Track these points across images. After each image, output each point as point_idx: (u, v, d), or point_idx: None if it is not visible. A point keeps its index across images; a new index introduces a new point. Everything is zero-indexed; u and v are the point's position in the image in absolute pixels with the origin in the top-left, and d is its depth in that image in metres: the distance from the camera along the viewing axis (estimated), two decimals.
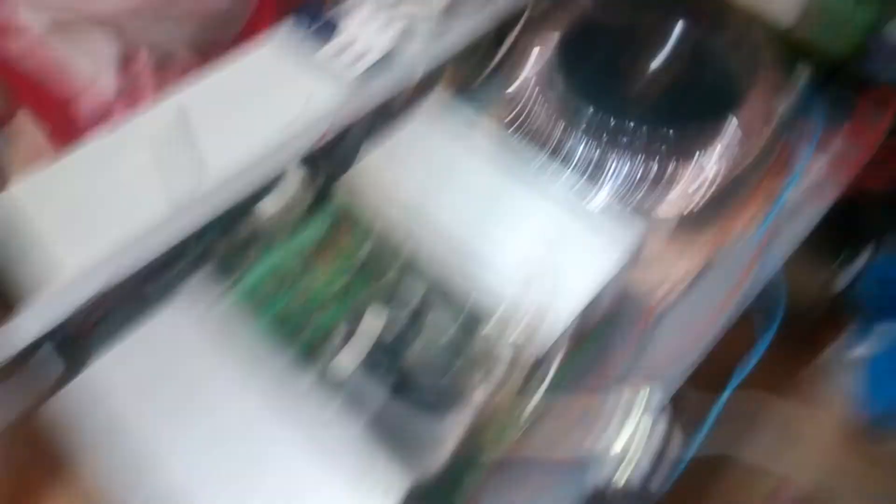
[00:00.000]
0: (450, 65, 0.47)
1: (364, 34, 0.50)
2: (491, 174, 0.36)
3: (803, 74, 0.43)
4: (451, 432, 0.28)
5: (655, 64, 0.40)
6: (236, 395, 0.29)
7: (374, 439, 0.27)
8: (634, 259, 0.33)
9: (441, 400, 0.28)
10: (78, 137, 0.53)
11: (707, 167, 0.37)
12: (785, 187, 0.42)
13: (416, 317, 0.31)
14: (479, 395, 0.28)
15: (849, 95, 0.43)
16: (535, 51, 0.42)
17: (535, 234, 0.33)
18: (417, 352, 0.30)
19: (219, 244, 0.39)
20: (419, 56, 0.46)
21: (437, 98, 0.39)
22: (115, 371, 0.30)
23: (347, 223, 0.41)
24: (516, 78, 0.41)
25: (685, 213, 0.37)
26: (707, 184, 0.37)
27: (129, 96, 0.65)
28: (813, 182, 0.42)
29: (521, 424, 0.30)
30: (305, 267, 0.39)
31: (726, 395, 0.34)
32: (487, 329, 0.30)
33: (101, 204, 0.40)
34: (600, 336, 0.37)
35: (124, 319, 0.33)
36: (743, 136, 0.38)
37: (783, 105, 0.41)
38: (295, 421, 0.28)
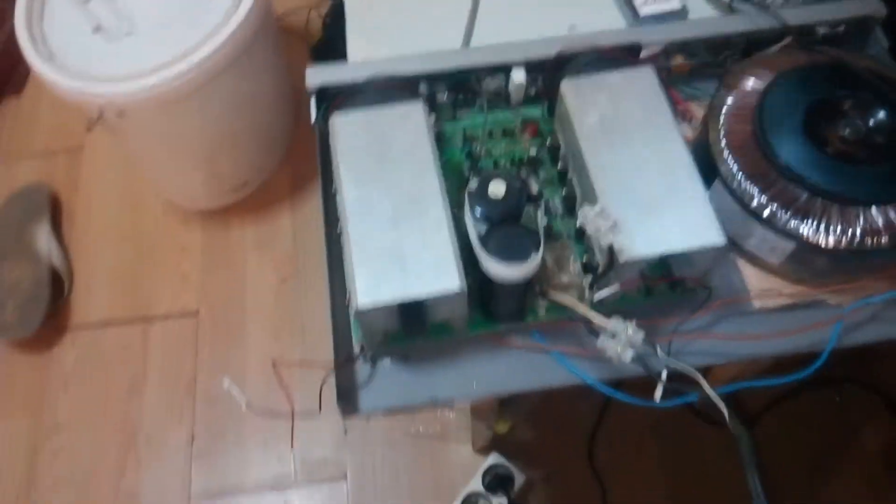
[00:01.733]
0: (695, 51, 0.54)
1: None
2: (664, 141, 0.44)
3: None
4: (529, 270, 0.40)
5: (853, 131, 0.44)
6: (413, 174, 0.43)
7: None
8: (718, 257, 0.41)
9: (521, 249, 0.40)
10: None
11: (866, 225, 0.42)
12: None
13: (532, 198, 0.42)
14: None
15: None
16: (751, 81, 0.47)
17: (663, 192, 0.42)
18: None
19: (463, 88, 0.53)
20: (697, 25, 0.54)
21: (652, 70, 0.47)
22: (347, 124, 0.46)
23: (540, 121, 0.52)
24: (728, 95, 0.47)
25: (824, 248, 0.42)
26: (860, 235, 0.41)
27: None
28: None
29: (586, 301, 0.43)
30: (502, 135, 0.53)
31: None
32: (582, 220, 0.41)
33: (402, 19, 0.60)
34: (667, 294, 0.45)
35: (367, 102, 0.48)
36: None
37: None
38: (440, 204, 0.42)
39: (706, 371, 0.43)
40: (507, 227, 0.41)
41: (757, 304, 0.46)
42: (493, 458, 0.89)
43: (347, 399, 0.45)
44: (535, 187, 0.42)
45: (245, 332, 1.06)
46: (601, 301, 0.44)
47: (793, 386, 0.92)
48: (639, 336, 0.38)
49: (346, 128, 0.46)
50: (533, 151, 0.51)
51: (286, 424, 0.91)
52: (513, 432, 0.93)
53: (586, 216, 0.39)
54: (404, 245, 0.41)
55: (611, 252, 0.40)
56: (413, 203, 0.43)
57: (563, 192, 0.49)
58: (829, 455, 0.92)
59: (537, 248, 0.39)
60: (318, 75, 0.52)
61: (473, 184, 0.42)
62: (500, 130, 0.54)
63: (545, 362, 0.46)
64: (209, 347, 1.04)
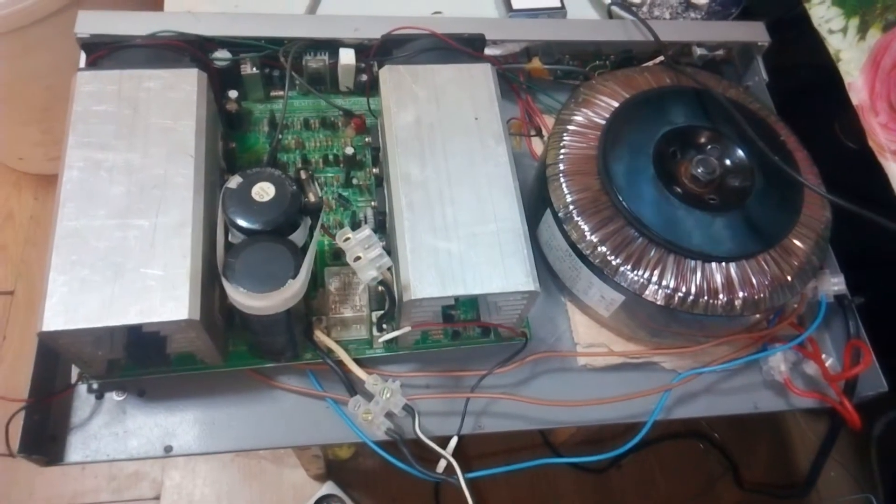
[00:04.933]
0: (558, 56, 0.47)
1: None
2: (487, 157, 0.36)
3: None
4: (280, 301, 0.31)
5: (707, 170, 0.37)
6: (165, 157, 0.33)
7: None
8: (529, 304, 0.34)
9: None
10: None
11: (703, 282, 0.35)
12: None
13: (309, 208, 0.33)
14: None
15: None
16: (606, 98, 0.40)
17: (474, 219, 0.34)
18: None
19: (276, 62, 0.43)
20: (560, 27, 0.47)
21: (490, 69, 0.39)
22: (93, 82, 0.36)
23: (368, 115, 0.43)
24: (577, 111, 0.40)
25: (654, 304, 0.35)
26: (695, 293, 0.35)
27: None
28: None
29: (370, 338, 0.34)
30: (321, 126, 0.44)
31: None
32: (340, 245, 0.32)
33: None
34: (478, 339, 0.38)
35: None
36: (758, 273, 0.35)
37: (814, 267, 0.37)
38: (189, 201, 0.33)
39: None
40: (264, 242, 0.31)
41: (582, 360, 0.39)
42: (328, 488, 0.80)
43: (43, 444, 0.34)
44: (314, 194, 0.33)
45: None
46: (393, 342, 0.36)
47: (657, 431, 0.88)
48: (398, 401, 0.29)
49: (91, 87, 0.36)
50: (351, 150, 0.42)
51: None
52: (356, 459, 0.84)
53: (348, 242, 0.31)
54: (128, 250, 0.31)
55: (388, 286, 0.31)
56: (154, 194, 0.33)
57: (374, 204, 0.40)
58: None
59: (295, 275, 0.30)
60: (90, 22, 0.41)
61: (234, 181, 0.33)
62: (318, 120, 0.44)
63: (320, 411, 0.37)
64: (20, 332, 0.90)
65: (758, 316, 0.37)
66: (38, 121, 0.89)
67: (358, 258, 0.30)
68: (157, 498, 0.82)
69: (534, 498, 0.86)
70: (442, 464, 0.31)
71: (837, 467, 0.88)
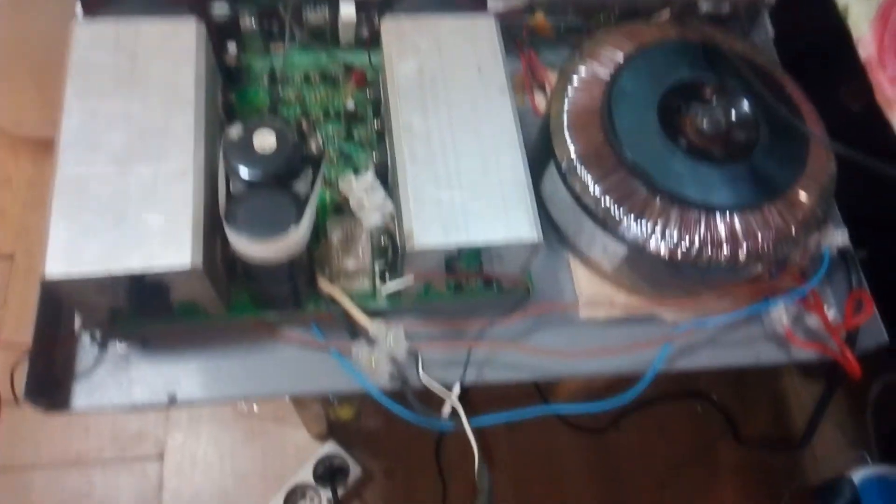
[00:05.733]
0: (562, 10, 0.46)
1: None
2: (490, 108, 0.36)
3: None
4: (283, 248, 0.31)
5: (712, 123, 0.37)
6: (164, 105, 0.33)
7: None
8: (531, 255, 0.34)
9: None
10: None
11: (707, 233, 0.35)
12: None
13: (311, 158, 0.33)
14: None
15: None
16: (610, 52, 0.40)
17: (476, 169, 0.34)
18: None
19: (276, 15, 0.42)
20: None
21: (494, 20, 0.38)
22: (91, 32, 0.35)
23: (368, 70, 0.43)
24: (581, 64, 0.40)
25: (658, 256, 0.35)
26: (698, 245, 0.35)
27: None
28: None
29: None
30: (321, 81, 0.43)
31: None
32: (344, 191, 0.31)
33: None
34: (480, 292, 0.38)
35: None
36: (761, 225, 0.35)
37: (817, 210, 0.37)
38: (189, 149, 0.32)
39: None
40: (266, 191, 0.31)
41: (584, 313, 0.39)
42: (329, 448, 0.81)
43: (48, 390, 0.34)
44: (315, 144, 0.33)
45: None
46: (396, 295, 0.36)
47: (655, 391, 0.89)
48: (402, 346, 0.30)
49: (89, 36, 0.35)
50: (352, 105, 0.42)
51: None
52: (358, 419, 0.85)
53: (349, 187, 0.30)
54: (129, 196, 0.31)
55: (391, 237, 0.31)
56: (154, 142, 0.32)
57: (375, 158, 0.40)
58: (682, 468, 0.90)
59: (297, 222, 0.30)
60: None
61: (235, 131, 0.33)
62: (318, 74, 0.44)
63: (323, 361, 0.37)
64: (20, 299, 0.90)
65: (760, 268, 0.37)
66: (35, 84, 0.88)
67: (361, 204, 0.30)
68: (161, 456, 0.83)
69: (534, 458, 0.87)
70: (446, 410, 0.32)
71: (834, 429, 0.90)
